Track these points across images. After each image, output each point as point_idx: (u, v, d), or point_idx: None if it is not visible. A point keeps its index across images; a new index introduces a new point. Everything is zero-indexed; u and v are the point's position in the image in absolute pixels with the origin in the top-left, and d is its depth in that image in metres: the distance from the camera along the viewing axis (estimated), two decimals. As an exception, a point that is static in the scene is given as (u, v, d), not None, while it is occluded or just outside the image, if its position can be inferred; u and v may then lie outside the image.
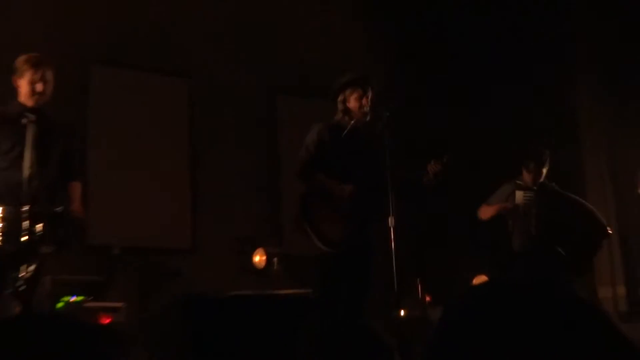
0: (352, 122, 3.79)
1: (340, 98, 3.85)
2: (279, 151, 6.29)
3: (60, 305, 4.30)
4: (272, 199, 6.21)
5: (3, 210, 3.18)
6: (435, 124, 6.74)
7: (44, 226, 3.17)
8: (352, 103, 3.81)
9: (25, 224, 3.13)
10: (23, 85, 3.47)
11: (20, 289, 3.16)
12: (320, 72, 6.08)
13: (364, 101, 3.78)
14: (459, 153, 4.14)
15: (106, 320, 4.34)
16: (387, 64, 6.92)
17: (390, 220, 3.39)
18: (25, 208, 3.16)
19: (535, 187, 4.93)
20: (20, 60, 3.52)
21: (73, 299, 4.37)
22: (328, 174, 3.71)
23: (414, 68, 7.00)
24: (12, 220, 3.16)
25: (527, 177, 4.98)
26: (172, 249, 5.67)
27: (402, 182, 3.74)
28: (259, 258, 5.53)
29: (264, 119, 6.39)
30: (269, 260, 5.49)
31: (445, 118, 6.70)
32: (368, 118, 3.81)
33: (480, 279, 5.26)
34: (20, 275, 3.18)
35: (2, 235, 3.13)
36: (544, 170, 4.95)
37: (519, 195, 4.92)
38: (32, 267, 3.21)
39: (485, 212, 5.04)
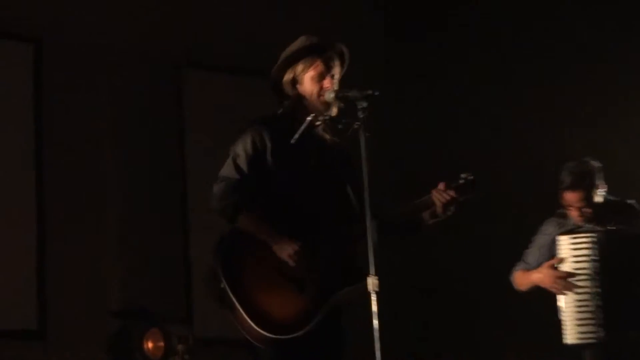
0: (309, 118, 3.63)
1: (287, 77, 3.71)
2: (185, 163, 6.01)
3: None
4: (175, 246, 5.92)
5: None
6: (446, 124, 6.40)
7: None
8: (308, 85, 3.68)
9: None
10: None
11: None
12: (254, 40, 5.95)
13: (325, 83, 3.64)
14: (485, 172, 3.86)
15: None
16: (364, 30, 6.56)
17: (371, 283, 3.32)
18: None
19: (588, 225, 4.35)
20: None
21: None
22: (268, 207, 3.59)
23: (411, 37, 6.61)
24: None
25: (569, 210, 4.34)
26: (8, 331, 5.35)
27: (391, 220, 3.65)
28: (152, 345, 5.33)
29: (162, 106, 6.05)
30: (169, 348, 5.33)
31: (463, 118, 6.36)
32: (334, 112, 3.65)
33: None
34: None
35: None
36: (596, 196, 4.35)
37: (564, 244, 4.34)
38: None
39: (522, 281, 4.56)
